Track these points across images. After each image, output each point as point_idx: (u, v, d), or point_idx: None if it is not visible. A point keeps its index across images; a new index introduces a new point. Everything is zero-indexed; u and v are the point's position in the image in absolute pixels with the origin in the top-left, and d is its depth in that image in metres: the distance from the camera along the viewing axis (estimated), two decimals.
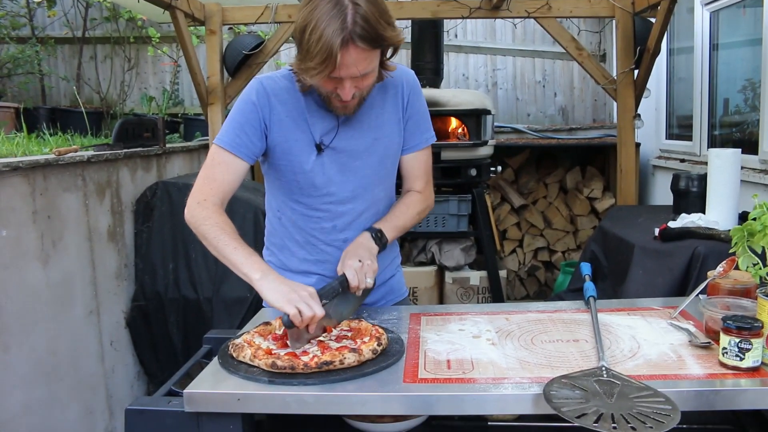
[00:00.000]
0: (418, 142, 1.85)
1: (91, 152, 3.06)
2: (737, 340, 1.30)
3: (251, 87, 1.71)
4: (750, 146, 3.53)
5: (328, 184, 1.75)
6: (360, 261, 1.63)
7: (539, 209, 5.35)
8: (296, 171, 1.73)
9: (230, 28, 5.50)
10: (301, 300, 1.44)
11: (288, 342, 1.50)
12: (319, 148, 1.71)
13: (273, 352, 1.43)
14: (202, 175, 1.69)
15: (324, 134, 1.72)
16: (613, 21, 4.30)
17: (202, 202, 1.64)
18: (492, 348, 1.48)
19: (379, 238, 1.73)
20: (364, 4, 1.48)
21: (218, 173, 1.68)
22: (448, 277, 4.28)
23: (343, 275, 1.61)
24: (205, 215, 1.62)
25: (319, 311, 1.45)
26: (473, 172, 4.23)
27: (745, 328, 1.29)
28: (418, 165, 1.87)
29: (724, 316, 1.35)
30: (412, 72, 1.86)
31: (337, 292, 1.58)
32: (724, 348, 1.32)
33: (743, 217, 2.72)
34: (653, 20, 3.94)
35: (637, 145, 4.44)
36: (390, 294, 1.96)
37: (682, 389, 1.24)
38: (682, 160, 4.31)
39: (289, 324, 1.44)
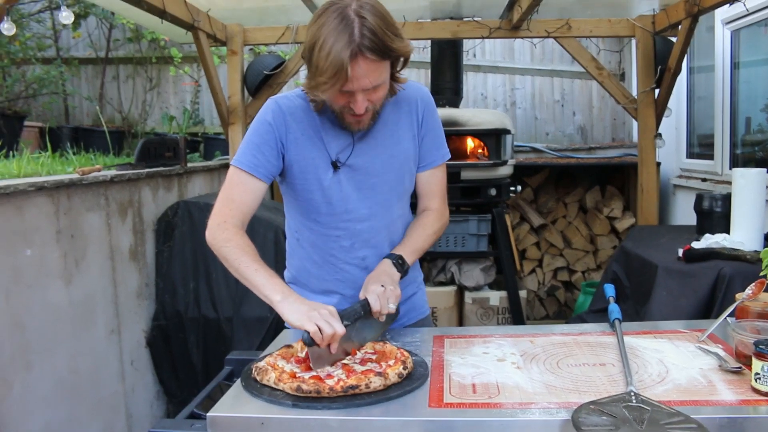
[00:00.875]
0: (434, 159, 1.85)
1: (113, 172, 3.09)
2: None
3: (267, 107, 1.72)
4: None
5: (345, 201, 1.75)
6: (383, 286, 1.63)
7: (558, 229, 5.32)
8: (313, 189, 1.73)
9: (251, 49, 5.56)
10: (321, 318, 1.45)
11: (310, 363, 1.50)
12: (336, 166, 1.72)
13: (297, 375, 1.42)
14: (222, 196, 1.70)
15: (340, 152, 1.72)
16: (633, 40, 4.30)
17: (222, 224, 1.65)
18: (517, 372, 1.46)
19: (400, 264, 1.74)
20: (370, 17, 1.49)
21: (237, 194, 1.68)
22: (468, 297, 4.25)
23: (366, 300, 1.61)
24: (225, 237, 1.63)
25: (340, 329, 1.45)
26: (493, 191, 4.22)
27: None
28: (434, 182, 1.87)
29: (757, 340, 1.33)
30: (426, 89, 1.86)
31: (359, 315, 1.58)
32: (757, 374, 1.29)
33: None
34: (673, 39, 3.93)
35: (658, 164, 4.41)
36: (412, 311, 1.95)
37: (714, 416, 1.21)
38: (704, 180, 4.27)
39: (309, 342, 1.44)
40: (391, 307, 1.62)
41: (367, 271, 1.76)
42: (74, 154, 3.93)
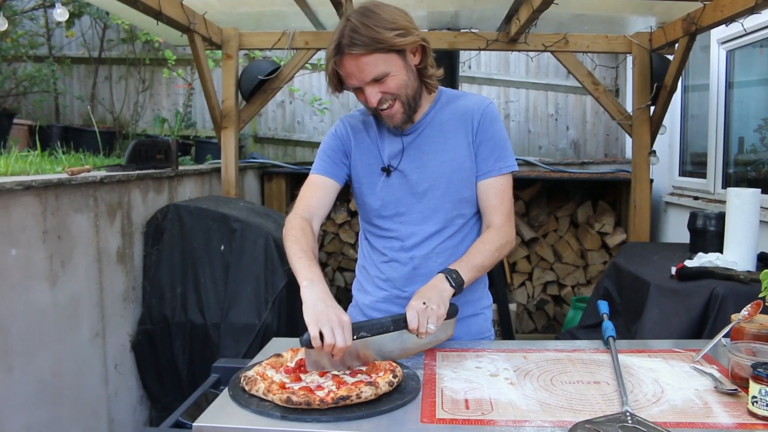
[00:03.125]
0: (490, 169, 1.81)
1: (103, 173, 3.05)
2: None
3: (334, 124, 1.94)
4: (766, 185, 3.50)
5: (397, 204, 1.83)
6: (424, 304, 1.56)
7: (549, 243, 5.31)
8: (368, 193, 1.86)
9: (246, 54, 5.53)
10: (327, 324, 1.43)
11: (305, 362, 1.48)
12: (388, 171, 1.82)
13: (287, 386, 1.39)
14: (298, 198, 1.87)
15: (392, 157, 1.83)
16: (628, 57, 4.31)
17: (292, 216, 1.79)
18: (511, 388, 1.44)
19: (454, 278, 1.64)
20: (355, 18, 1.65)
21: (306, 192, 1.86)
22: None
23: (403, 315, 1.56)
24: (289, 227, 1.75)
25: (341, 342, 1.42)
26: None
27: None
28: (493, 194, 1.81)
29: (754, 363, 1.31)
30: (490, 101, 1.87)
31: (385, 329, 1.53)
32: (754, 397, 1.27)
33: (762, 258, 2.68)
34: (670, 57, 3.94)
35: (650, 181, 4.41)
36: (466, 336, 1.89)
37: None
38: (696, 198, 4.28)
39: (306, 343, 1.43)
40: (431, 328, 1.54)
41: (416, 271, 1.81)
42: (64, 153, 3.88)
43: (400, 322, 1.54)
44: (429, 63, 1.78)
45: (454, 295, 1.63)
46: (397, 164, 1.82)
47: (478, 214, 1.87)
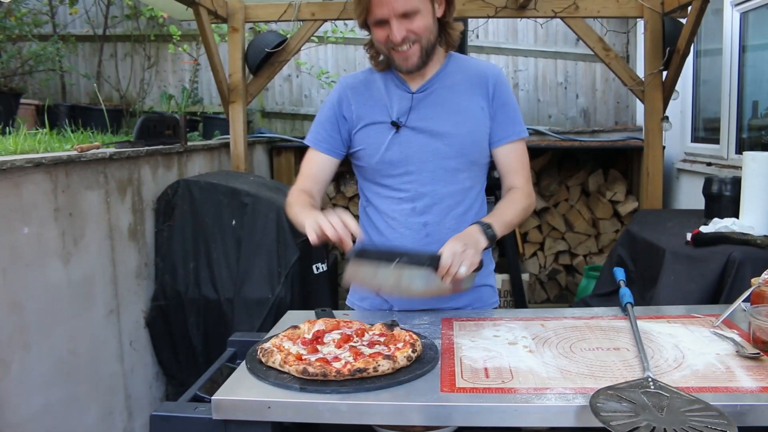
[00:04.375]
0: (510, 134, 1.83)
1: (113, 149, 3.03)
2: None
3: (334, 87, 1.93)
4: None
5: (406, 162, 1.79)
6: (463, 246, 1.56)
7: (561, 212, 5.28)
8: (374, 152, 1.81)
9: (251, 28, 5.47)
10: (325, 217, 1.53)
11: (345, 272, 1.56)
12: (397, 126, 1.78)
13: (303, 357, 1.38)
14: (299, 173, 1.90)
15: (401, 114, 1.79)
16: (639, 23, 4.23)
17: (292, 191, 1.82)
18: (530, 356, 1.43)
19: (488, 233, 1.65)
20: None
21: (306, 168, 1.88)
22: None
23: (438, 255, 1.55)
24: (289, 200, 1.79)
25: (339, 224, 1.52)
26: (496, 174, 4.16)
27: None
28: (514, 158, 1.84)
29: None
30: (500, 68, 1.90)
31: (421, 262, 1.55)
32: None
33: None
34: (682, 21, 3.87)
35: (662, 148, 4.36)
36: (477, 302, 1.90)
37: (735, 403, 1.17)
38: (709, 164, 4.23)
39: (350, 253, 1.52)
40: (462, 271, 1.53)
41: (428, 239, 1.78)
42: (72, 132, 3.87)
43: (435, 260, 1.54)
44: (451, 19, 1.80)
45: (485, 249, 1.64)
46: (406, 120, 1.79)
47: (484, 184, 1.90)
